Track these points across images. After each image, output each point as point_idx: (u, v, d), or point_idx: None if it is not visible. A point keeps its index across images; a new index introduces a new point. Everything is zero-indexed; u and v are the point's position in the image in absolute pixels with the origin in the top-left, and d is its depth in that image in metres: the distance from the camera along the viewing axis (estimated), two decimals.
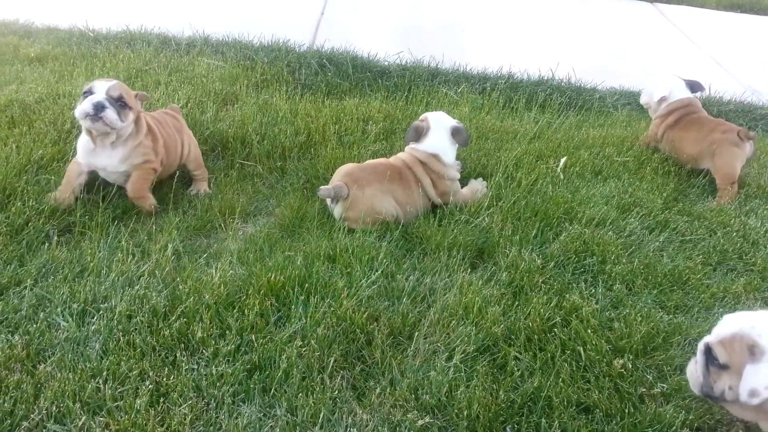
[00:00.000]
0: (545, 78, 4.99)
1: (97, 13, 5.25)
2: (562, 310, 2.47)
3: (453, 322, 2.29)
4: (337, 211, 3.01)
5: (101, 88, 2.72)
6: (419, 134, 3.19)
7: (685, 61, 6.01)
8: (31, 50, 4.52)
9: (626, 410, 2.03)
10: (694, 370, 1.87)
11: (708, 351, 1.80)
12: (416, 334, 2.25)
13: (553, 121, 4.27)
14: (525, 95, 4.61)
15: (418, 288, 2.51)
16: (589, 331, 2.31)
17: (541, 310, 2.40)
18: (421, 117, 3.29)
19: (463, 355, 2.14)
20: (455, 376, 2.05)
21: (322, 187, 2.96)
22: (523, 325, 2.32)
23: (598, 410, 2.05)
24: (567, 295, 2.55)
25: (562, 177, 3.56)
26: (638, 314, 2.45)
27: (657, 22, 7.19)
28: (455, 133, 3.21)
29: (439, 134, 3.19)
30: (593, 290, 2.62)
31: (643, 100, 4.13)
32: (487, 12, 6.81)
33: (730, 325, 1.80)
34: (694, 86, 3.92)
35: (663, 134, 3.87)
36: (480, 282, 2.54)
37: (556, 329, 2.34)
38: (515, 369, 2.13)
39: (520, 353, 2.21)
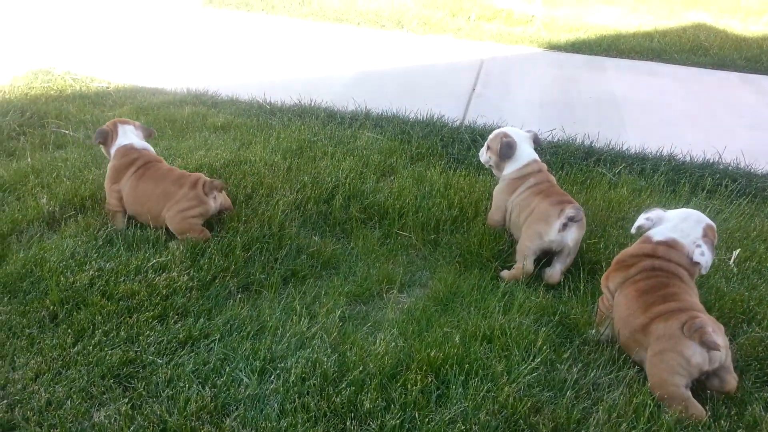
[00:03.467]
0: (711, 161, 4.72)
1: (272, 88, 5.83)
2: (744, 421, 2.26)
3: (624, 424, 2.17)
4: (573, 234, 3.15)
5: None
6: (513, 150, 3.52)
7: None
8: (216, 119, 5.10)
9: None
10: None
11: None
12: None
13: (723, 209, 4.00)
14: (690, 179, 4.38)
15: (582, 381, 2.42)
16: None
17: (722, 422, 2.21)
18: (500, 133, 3.61)
19: None
20: None
21: (571, 208, 3.13)
22: None
23: None
24: (748, 407, 2.33)
25: (735, 271, 3.30)
26: None
27: None
28: (536, 140, 3.64)
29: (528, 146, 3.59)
30: None
31: None
32: (642, 89, 6.64)
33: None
34: None
35: None
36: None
37: None
38: None
39: None
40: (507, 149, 3.51)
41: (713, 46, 7.88)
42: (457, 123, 5.31)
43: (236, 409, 2.15)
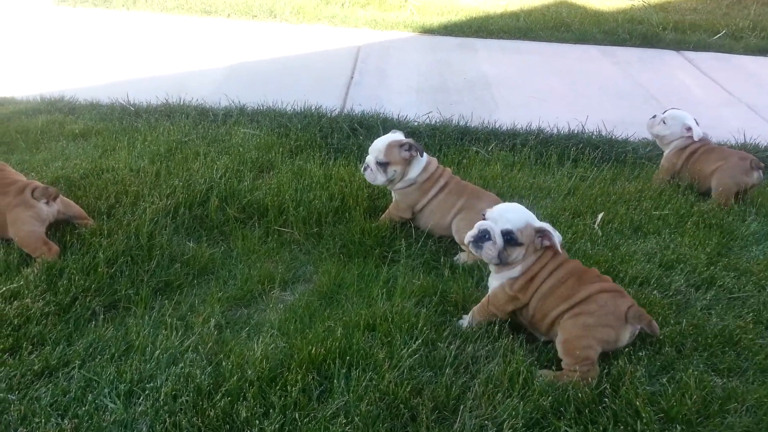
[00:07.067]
0: (575, 132, 5.00)
1: (136, 88, 5.49)
2: (611, 376, 2.41)
3: (499, 394, 2.24)
4: None
5: None
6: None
7: (717, 108, 5.97)
8: (75, 126, 4.72)
9: None
10: (492, 248, 2.56)
11: (508, 233, 2.55)
12: (461, 407, 2.20)
13: (587, 175, 4.25)
14: (557, 150, 4.62)
15: (461, 356, 2.48)
16: (638, 402, 2.23)
17: (589, 378, 2.34)
18: (391, 143, 3.41)
19: (511, 430, 2.08)
20: None
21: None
22: (573, 396, 2.25)
23: None
24: (615, 361, 2.49)
25: (600, 234, 3.52)
26: (690, 378, 2.36)
27: (684, 70, 7.20)
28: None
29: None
30: (641, 354, 2.54)
31: (658, 131, 4.26)
32: (511, 68, 6.92)
33: (518, 217, 2.59)
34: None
35: (683, 164, 4.13)
36: (522, 351, 2.49)
37: (606, 399, 2.27)
38: None
39: (571, 427, 2.14)
40: (420, 147, 3.43)
41: (574, 22, 8.35)
42: (336, 112, 5.27)
43: None
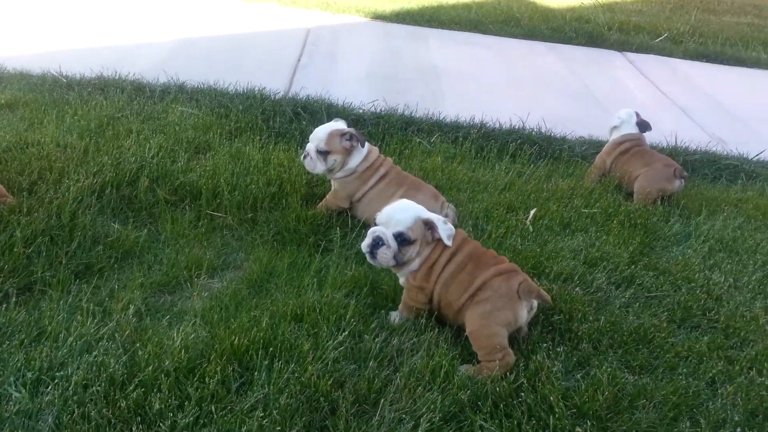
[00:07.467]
0: (516, 127, 5.08)
1: (70, 59, 5.23)
2: (528, 371, 2.47)
3: (419, 387, 2.26)
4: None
5: None
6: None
7: (653, 110, 6.17)
8: (1, 96, 4.48)
9: None
10: (387, 252, 2.57)
11: (400, 235, 2.56)
12: (382, 400, 2.22)
13: (524, 171, 4.33)
14: (497, 144, 4.68)
15: (386, 349, 2.49)
16: (552, 397, 2.30)
17: (507, 373, 2.40)
18: (332, 133, 3.39)
19: (429, 424, 2.11)
20: None
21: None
22: (491, 390, 2.30)
23: None
24: (533, 356, 2.55)
25: (531, 230, 3.59)
26: (604, 375, 2.45)
27: (626, 71, 7.40)
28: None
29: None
30: (559, 350, 2.62)
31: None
32: (461, 59, 6.95)
33: (407, 215, 2.59)
34: (642, 125, 4.38)
35: (612, 163, 4.32)
36: (446, 344, 2.52)
37: (523, 393, 2.33)
38: None
39: (486, 421, 2.19)
40: (362, 138, 3.42)
41: (524, 17, 8.46)
42: (281, 95, 5.17)
43: (1, 429, 1.91)
